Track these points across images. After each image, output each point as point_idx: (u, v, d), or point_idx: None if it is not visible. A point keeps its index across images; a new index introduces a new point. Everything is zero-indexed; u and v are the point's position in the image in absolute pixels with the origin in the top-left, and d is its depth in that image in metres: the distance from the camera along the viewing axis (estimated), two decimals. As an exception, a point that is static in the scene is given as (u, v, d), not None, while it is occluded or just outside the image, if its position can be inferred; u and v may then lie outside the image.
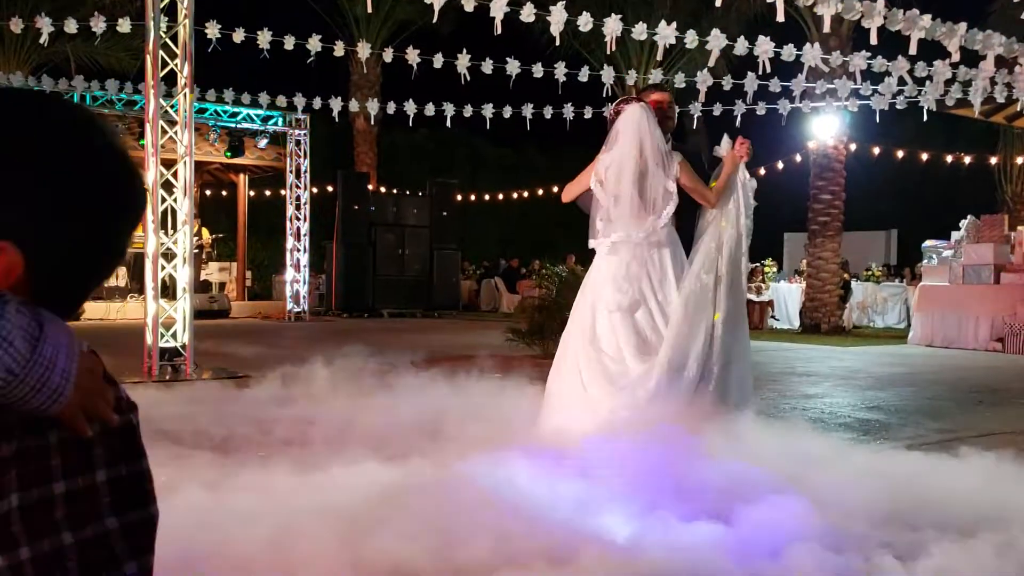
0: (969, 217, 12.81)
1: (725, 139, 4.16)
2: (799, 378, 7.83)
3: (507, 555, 2.47)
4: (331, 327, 14.47)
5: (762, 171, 18.61)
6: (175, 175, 7.58)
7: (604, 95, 10.57)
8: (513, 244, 25.75)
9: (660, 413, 3.58)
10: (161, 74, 7.41)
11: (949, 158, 18.39)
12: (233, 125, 15.80)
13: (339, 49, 9.50)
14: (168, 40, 7.47)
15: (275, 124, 16.19)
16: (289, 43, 9.11)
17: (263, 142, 16.59)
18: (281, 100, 12.75)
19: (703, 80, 10.04)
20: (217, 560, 2.37)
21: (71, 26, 8.62)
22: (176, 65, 7.50)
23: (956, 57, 7.61)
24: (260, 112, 15.47)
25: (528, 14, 7.40)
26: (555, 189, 22.45)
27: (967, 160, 18.57)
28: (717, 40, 7.96)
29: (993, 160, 18.98)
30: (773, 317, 15.75)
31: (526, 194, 24.69)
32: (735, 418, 3.78)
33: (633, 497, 2.99)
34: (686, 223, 4.12)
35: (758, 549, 2.61)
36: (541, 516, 2.82)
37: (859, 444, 4.48)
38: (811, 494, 3.07)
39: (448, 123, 11.66)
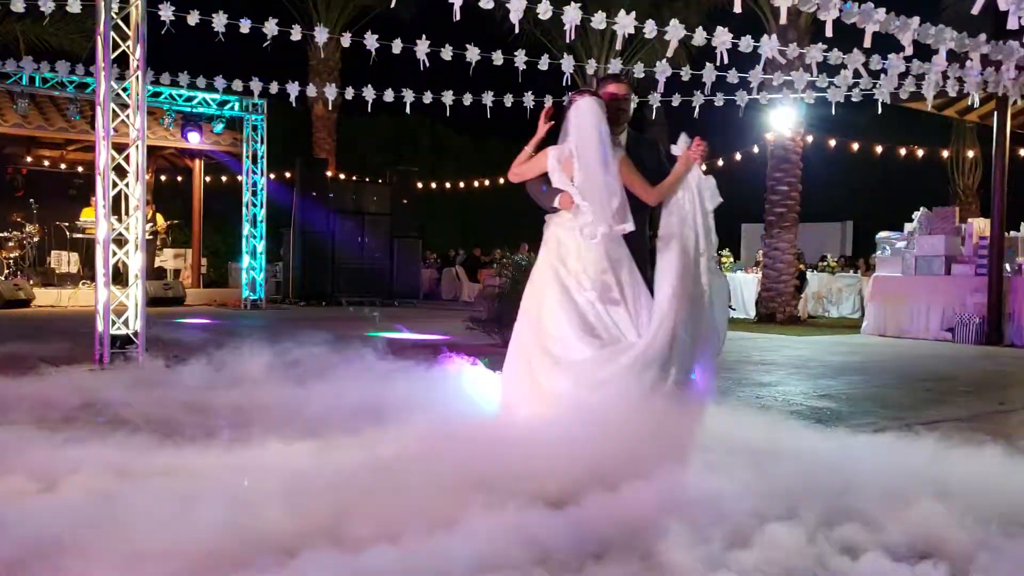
0: (922, 209, 13.03)
1: (683, 138, 4.10)
2: (754, 366, 7.93)
3: (391, 528, 2.55)
4: (287, 315, 14.34)
5: (720, 162, 18.82)
6: (127, 159, 7.44)
7: (564, 84, 10.57)
8: (475, 232, 25.67)
9: (606, 404, 3.58)
10: (112, 56, 7.24)
11: (903, 151, 18.70)
12: (188, 109, 15.52)
13: (296, 33, 9.36)
14: (120, 21, 7.31)
15: (231, 109, 15.94)
16: (245, 27, 8.95)
17: (219, 127, 16.33)
18: (237, 84, 12.54)
19: (662, 71, 10.07)
20: (106, 539, 2.41)
21: (18, 5, 8.34)
22: (128, 47, 7.35)
23: (909, 51, 7.73)
24: (216, 96, 15.20)
25: (487, 1, 7.36)
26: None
27: (920, 153, 18.90)
28: (676, 31, 7.98)
29: (945, 153, 19.32)
30: (729, 307, 15.89)
31: (487, 182, 24.62)
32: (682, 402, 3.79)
33: (532, 475, 3.06)
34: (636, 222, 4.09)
35: (633, 522, 2.73)
36: (442, 493, 2.89)
37: (808, 430, 4.54)
38: (726, 472, 3.19)
39: (408, 109, 11.57)
